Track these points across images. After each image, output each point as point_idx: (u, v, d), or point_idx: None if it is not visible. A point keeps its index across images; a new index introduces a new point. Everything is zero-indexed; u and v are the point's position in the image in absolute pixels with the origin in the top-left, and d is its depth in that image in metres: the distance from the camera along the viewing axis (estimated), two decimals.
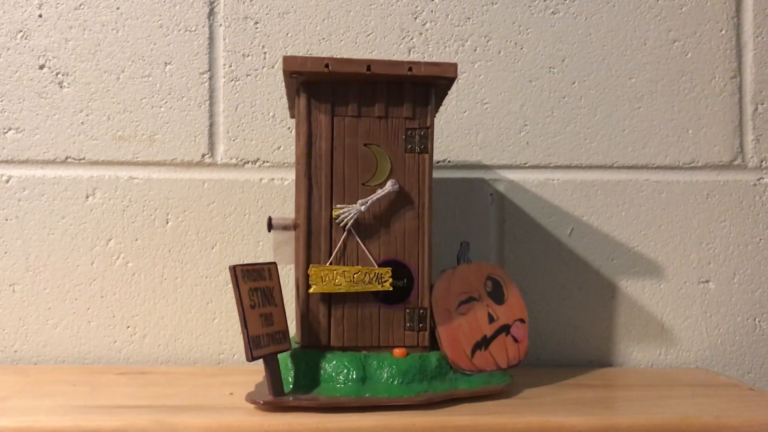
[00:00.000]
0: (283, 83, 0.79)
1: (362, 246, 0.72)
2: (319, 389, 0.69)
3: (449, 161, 0.95)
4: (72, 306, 0.91)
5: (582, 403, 0.73)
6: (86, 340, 0.91)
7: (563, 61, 0.96)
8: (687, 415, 0.68)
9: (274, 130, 0.93)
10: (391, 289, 0.72)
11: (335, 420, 0.64)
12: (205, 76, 0.93)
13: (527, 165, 0.95)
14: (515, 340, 0.77)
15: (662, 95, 0.96)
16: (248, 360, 0.65)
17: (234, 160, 0.93)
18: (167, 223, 0.92)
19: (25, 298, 0.91)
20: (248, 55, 0.93)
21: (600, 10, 0.96)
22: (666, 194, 0.96)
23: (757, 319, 0.96)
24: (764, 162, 0.97)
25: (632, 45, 0.96)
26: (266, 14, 0.93)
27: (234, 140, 0.93)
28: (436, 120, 0.89)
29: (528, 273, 0.95)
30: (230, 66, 0.93)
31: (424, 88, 0.72)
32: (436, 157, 0.94)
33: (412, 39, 0.95)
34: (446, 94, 0.76)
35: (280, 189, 0.93)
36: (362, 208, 0.71)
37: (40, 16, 0.92)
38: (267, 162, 0.93)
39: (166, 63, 0.93)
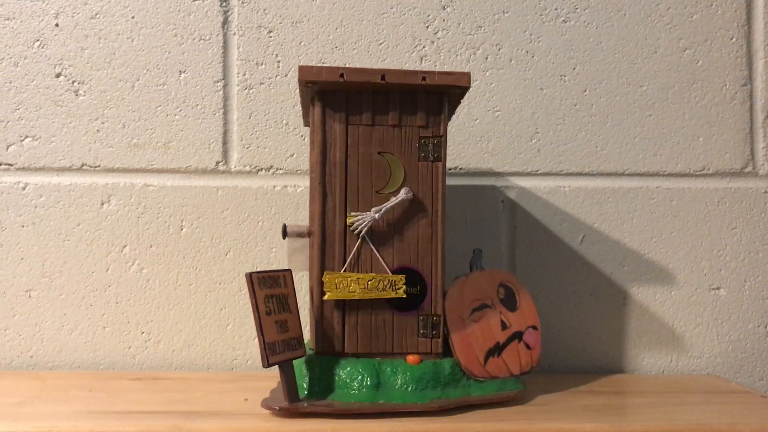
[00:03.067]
0: (297, 91, 0.79)
1: (376, 253, 0.72)
2: (333, 395, 0.69)
3: (461, 168, 0.95)
4: (87, 312, 0.92)
5: (594, 409, 0.73)
6: (101, 345, 0.92)
7: (574, 69, 0.96)
8: (699, 423, 0.68)
9: (287, 138, 0.94)
10: (404, 296, 0.72)
11: (349, 426, 0.65)
12: (219, 84, 0.94)
13: (539, 172, 0.96)
14: (528, 346, 0.77)
15: (673, 103, 0.97)
16: (264, 366, 0.65)
17: (248, 168, 0.94)
18: (181, 229, 0.93)
19: (41, 303, 0.92)
20: (262, 64, 0.94)
21: (611, 19, 0.97)
22: (677, 201, 0.96)
23: None
24: None
25: (643, 53, 0.97)
26: (280, 23, 0.94)
27: (248, 148, 0.94)
28: (448, 127, 0.90)
29: (540, 280, 0.95)
30: (244, 74, 0.94)
31: (437, 97, 0.73)
32: (448, 164, 0.94)
33: (424, 47, 0.95)
34: (459, 102, 0.77)
35: (293, 196, 0.94)
36: (376, 215, 0.72)
37: (57, 25, 0.93)
38: (280, 169, 0.94)
39: (180, 71, 0.94)
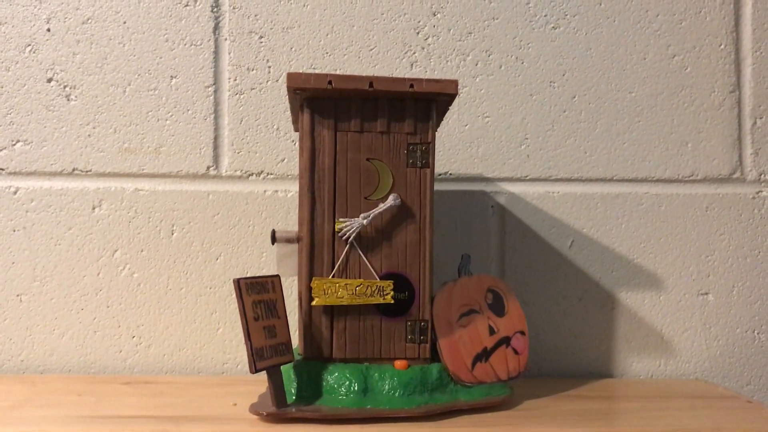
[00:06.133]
0: (287, 97, 0.80)
1: (364, 259, 0.73)
2: (321, 400, 0.70)
3: (450, 174, 0.96)
4: (78, 316, 0.92)
5: (581, 414, 0.74)
6: (92, 349, 0.92)
7: (564, 75, 0.97)
8: (685, 427, 0.69)
9: (278, 143, 0.95)
10: (392, 301, 0.72)
11: (337, 431, 0.65)
12: (210, 89, 0.94)
13: (528, 178, 0.96)
14: (515, 352, 0.78)
15: (662, 109, 0.98)
16: (252, 372, 0.66)
17: (238, 173, 0.94)
18: (172, 234, 0.93)
19: (31, 307, 0.92)
20: (253, 69, 0.95)
21: (600, 25, 0.97)
22: (665, 207, 0.97)
23: (756, 331, 0.97)
24: (763, 175, 0.98)
25: (632, 59, 0.97)
26: (270, 29, 0.95)
27: (238, 153, 0.94)
28: (437, 133, 0.91)
29: (528, 285, 0.96)
30: (235, 80, 0.95)
31: (425, 104, 0.74)
32: (438, 169, 0.95)
33: (414, 53, 0.96)
34: (447, 109, 0.77)
35: (283, 201, 0.94)
36: (364, 221, 0.72)
37: (48, 30, 0.93)
38: (271, 174, 0.94)
39: (171, 76, 0.94)
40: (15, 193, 0.92)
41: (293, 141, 0.95)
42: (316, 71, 0.94)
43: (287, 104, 0.94)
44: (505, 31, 0.97)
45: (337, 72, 0.94)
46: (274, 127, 0.95)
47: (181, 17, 0.94)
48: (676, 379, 0.96)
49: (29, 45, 0.93)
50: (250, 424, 0.67)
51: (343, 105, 0.73)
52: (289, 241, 0.75)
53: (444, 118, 0.84)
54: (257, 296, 0.68)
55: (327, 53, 0.95)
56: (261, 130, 0.95)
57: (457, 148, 0.96)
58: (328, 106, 0.73)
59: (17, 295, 0.92)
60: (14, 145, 0.93)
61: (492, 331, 0.77)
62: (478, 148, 0.96)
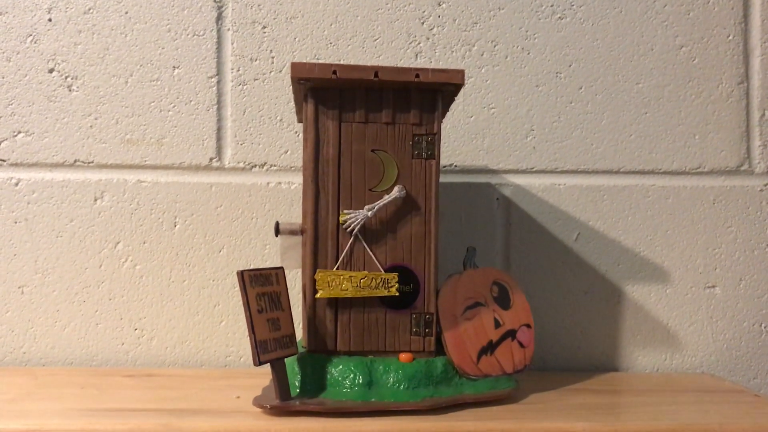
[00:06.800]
0: (291, 88, 0.79)
1: (369, 251, 0.72)
2: (325, 394, 0.69)
3: (456, 165, 0.95)
4: (80, 308, 0.92)
5: (587, 408, 0.73)
6: (94, 342, 0.92)
7: (570, 66, 0.96)
8: (692, 422, 0.68)
9: (281, 134, 0.94)
10: (397, 294, 0.72)
11: (341, 424, 0.65)
12: (213, 80, 0.94)
13: (534, 170, 0.96)
14: (521, 345, 0.77)
15: (669, 101, 0.97)
16: (255, 365, 0.65)
17: (241, 164, 0.93)
18: (175, 226, 0.93)
19: (33, 299, 0.92)
20: (256, 60, 0.94)
21: (607, 16, 0.96)
22: (672, 199, 0.96)
23: (763, 325, 0.96)
24: None
25: (639, 50, 0.96)
26: (274, 19, 0.94)
27: (241, 144, 0.94)
28: (442, 124, 0.90)
29: (534, 278, 0.95)
30: (238, 70, 0.94)
31: (431, 94, 0.73)
32: (443, 161, 0.94)
33: (419, 44, 0.95)
34: (453, 100, 0.77)
35: (287, 193, 0.93)
36: (369, 213, 0.71)
37: (50, 20, 0.92)
38: (274, 166, 0.94)
39: (174, 67, 0.93)
40: (16, 184, 0.92)
41: (297, 132, 0.94)
42: (320, 62, 0.93)
43: (291, 95, 0.93)
44: (511, 22, 0.96)
45: (341, 62, 0.94)
46: (278, 118, 0.94)
47: (184, 7, 0.93)
48: (683, 372, 0.95)
49: (30, 35, 0.92)
50: (254, 417, 0.66)
51: (348, 95, 0.72)
52: (293, 233, 0.74)
53: (449, 110, 0.83)
54: (261, 288, 0.67)
55: (330, 43, 0.94)
56: (264, 121, 0.94)
57: (463, 139, 0.95)
58: (332, 96, 0.72)
59: (19, 287, 0.91)
60: (15, 136, 0.92)
61: (497, 324, 0.76)
62: (483, 139, 0.95)
